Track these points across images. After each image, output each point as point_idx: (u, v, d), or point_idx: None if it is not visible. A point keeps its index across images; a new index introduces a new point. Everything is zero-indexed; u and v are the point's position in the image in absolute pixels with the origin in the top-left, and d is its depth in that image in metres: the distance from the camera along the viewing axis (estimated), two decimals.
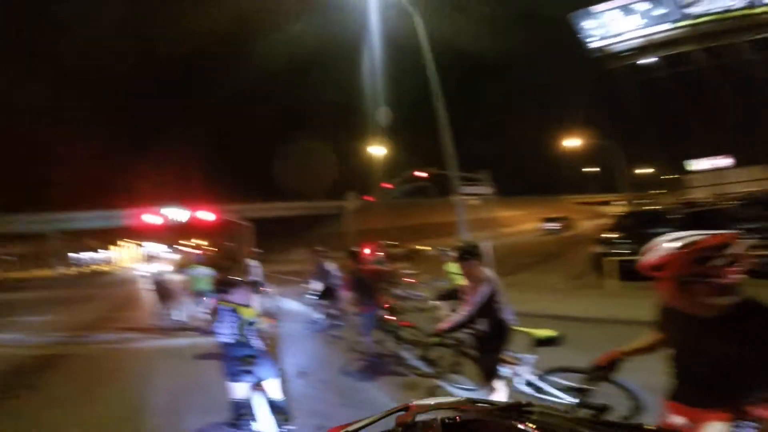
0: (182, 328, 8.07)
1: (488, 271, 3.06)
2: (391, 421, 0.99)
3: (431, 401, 1.10)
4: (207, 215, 27.31)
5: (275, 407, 3.23)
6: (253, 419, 3.13)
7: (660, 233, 1.55)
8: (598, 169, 40.43)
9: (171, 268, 9.23)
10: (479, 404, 1.10)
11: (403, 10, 12.17)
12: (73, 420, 4.01)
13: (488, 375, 3.00)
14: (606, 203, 51.32)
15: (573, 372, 2.92)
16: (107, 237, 51.94)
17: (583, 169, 41.02)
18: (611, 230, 9.78)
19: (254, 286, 8.79)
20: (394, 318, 5.34)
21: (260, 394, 3.24)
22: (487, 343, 3.03)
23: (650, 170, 45.49)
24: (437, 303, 6.11)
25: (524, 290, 8.60)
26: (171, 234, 37.96)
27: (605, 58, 28.88)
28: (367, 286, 5.21)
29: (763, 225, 6.94)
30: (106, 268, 49.62)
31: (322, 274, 7.41)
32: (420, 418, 0.99)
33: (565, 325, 3.41)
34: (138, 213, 31.57)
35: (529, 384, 3.18)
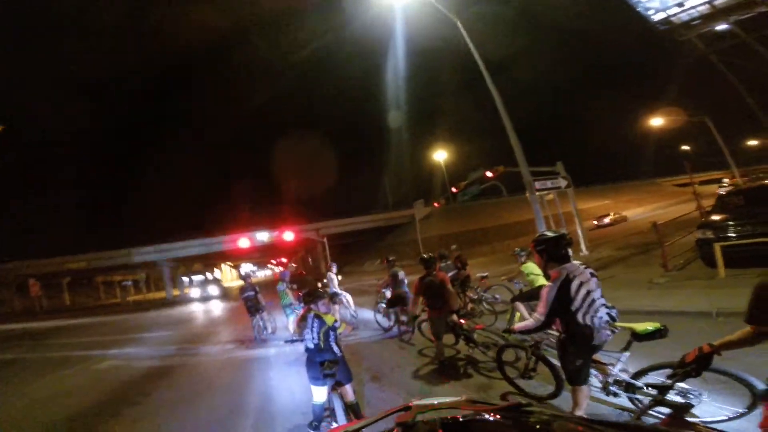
0: (271, 339, 8.77)
1: (569, 266, 2.76)
2: (391, 421, 1.00)
3: (431, 401, 1.10)
4: (287, 235, 29.78)
5: (350, 409, 3.39)
6: (334, 420, 3.31)
7: None
8: (688, 147, 35.31)
9: (260, 284, 10.19)
10: (479, 404, 1.10)
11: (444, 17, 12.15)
12: (180, 421, 4.58)
13: (571, 379, 2.81)
14: (717, 181, 44.39)
15: (668, 368, 2.61)
16: (211, 261, 58.68)
17: (682, 147, 36.08)
18: (716, 212, 8.39)
19: (332, 297, 9.32)
20: (465, 321, 5.25)
21: (337, 396, 3.42)
22: (572, 345, 2.76)
23: (755, 142, 38.60)
24: (515, 304, 5.88)
25: (618, 286, 7.84)
26: (260, 254, 41.55)
27: (674, 29, 25.27)
28: (438, 290, 5.17)
29: None
30: (208, 290, 56.01)
31: (394, 282, 7.60)
32: (420, 418, 0.99)
33: (668, 321, 3.03)
34: (231, 239, 35.50)
35: (619, 384, 2.88)
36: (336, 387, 3.44)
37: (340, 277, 9.50)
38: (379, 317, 8.42)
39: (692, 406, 2.38)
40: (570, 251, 2.84)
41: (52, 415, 5.29)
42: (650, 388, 2.68)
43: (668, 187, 55.10)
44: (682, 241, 9.85)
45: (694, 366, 1.68)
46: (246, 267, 42.71)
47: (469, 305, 8.02)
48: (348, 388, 3.46)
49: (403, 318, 7.28)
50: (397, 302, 7.39)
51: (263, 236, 30.95)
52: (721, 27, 23.90)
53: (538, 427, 0.92)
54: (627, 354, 2.90)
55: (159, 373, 7.20)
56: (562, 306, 2.69)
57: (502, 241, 33.26)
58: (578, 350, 2.74)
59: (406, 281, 7.63)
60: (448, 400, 1.13)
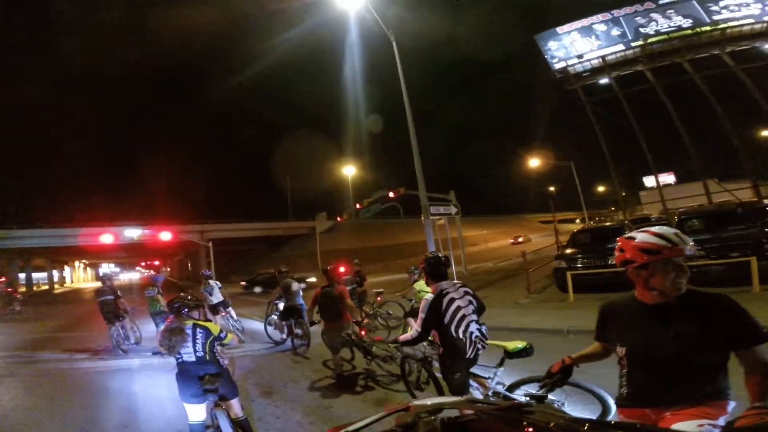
0: (134, 350, 7.63)
1: (444, 284, 3.00)
2: (391, 421, 1.00)
3: (431, 401, 1.10)
4: (164, 235, 26.25)
5: (238, 425, 3.13)
6: None
7: (611, 248, 1.65)
8: (552, 188, 42.84)
9: (119, 288, 8.71)
10: (479, 404, 1.11)
11: (381, 34, 12.63)
12: None
13: (453, 391, 2.96)
14: (571, 221, 54.11)
15: (537, 381, 2.98)
16: (57, 256, 48.64)
17: (550, 188, 43.34)
18: (569, 246, 10.29)
19: (214, 308, 8.52)
20: (364, 333, 5.32)
21: (222, 413, 3.12)
22: (448, 359, 2.97)
23: (606, 188, 48.57)
24: (407, 320, 6.17)
25: (489, 305, 8.81)
26: (126, 254, 36.00)
27: (566, 79, 30.53)
28: (337, 303, 5.19)
29: (704, 237, 7.53)
30: (55, 288, 46.12)
31: (287, 294, 7.32)
32: (420, 418, 0.99)
33: (531, 337, 3.48)
34: (92, 232, 29.93)
35: (497, 396, 3.17)
36: (220, 403, 3.15)
37: (220, 286, 8.73)
38: (270, 329, 8.00)
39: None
40: (447, 271, 3.16)
41: None
42: (528, 398, 3.04)
43: (534, 222, 64.88)
44: (543, 269, 11.67)
45: (560, 376, 1.89)
46: (106, 267, 36.33)
47: (365, 320, 8.17)
48: (234, 403, 3.18)
49: (298, 331, 7.06)
50: (290, 314, 7.15)
51: (133, 233, 26.45)
52: (603, 81, 29.45)
53: (538, 427, 0.91)
54: (502, 369, 3.22)
55: None
56: (436, 319, 2.90)
57: (395, 260, 34.84)
58: (454, 363, 2.94)
59: (301, 293, 7.44)
60: (448, 400, 1.14)
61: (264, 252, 43.76)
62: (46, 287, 46.26)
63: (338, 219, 45.66)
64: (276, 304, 8.10)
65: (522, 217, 67.67)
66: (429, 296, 2.94)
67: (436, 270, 3.07)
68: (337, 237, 41.34)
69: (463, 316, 2.90)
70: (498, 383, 3.16)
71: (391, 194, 19.07)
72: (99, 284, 8.01)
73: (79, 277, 56.65)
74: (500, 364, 3.19)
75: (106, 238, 25.45)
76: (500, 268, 18.46)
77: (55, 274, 52.85)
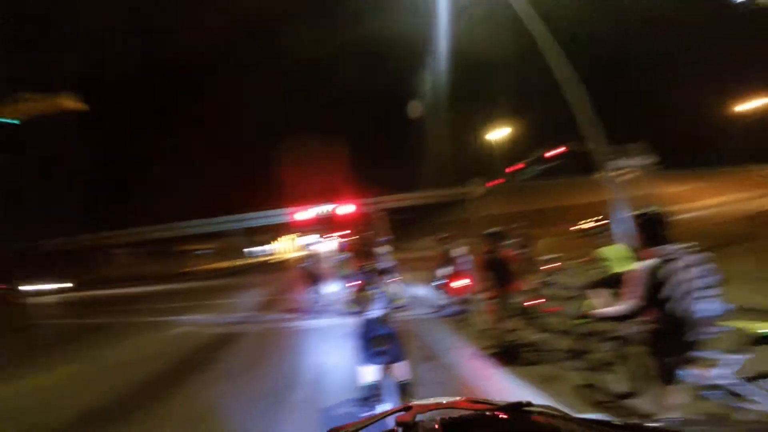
0: (327, 309, 9.01)
1: (668, 248, 2.37)
2: (391, 421, 0.99)
3: (431, 401, 1.11)
4: (347, 208, 30.67)
5: (402, 389, 3.27)
6: (382, 401, 3.22)
7: None
8: None
9: (320, 256, 10.51)
10: (479, 404, 1.09)
11: None
12: (237, 391, 4.74)
13: (661, 377, 2.47)
14: None
15: None
16: (273, 232, 62.23)
17: None
18: None
19: (386, 272, 9.29)
20: (537, 302, 4.85)
21: (388, 375, 3.32)
22: (662, 339, 2.42)
23: None
24: (586, 292, 5.38)
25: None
26: (321, 226, 43.23)
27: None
28: (504, 269, 4.81)
29: None
30: (272, 259, 59.68)
31: (449, 260, 7.33)
32: (420, 418, 0.99)
33: None
34: (293, 211, 37.20)
35: (723, 389, 2.45)
36: (388, 365, 3.34)
37: (389, 252, 9.38)
38: (434, 295, 8.25)
39: None
40: (667, 233, 2.43)
41: (125, 380, 5.63)
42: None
43: (756, 176, 47.39)
44: None
45: None
46: (308, 238, 44.56)
47: (534, 288, 7.54)
48: (401, 366, 3.33)
49: (460, 297, 7.04)
50: (453, 280, 7.16)
51: (325, 208, 32.14)
52: None
53: (539, 427, 0.93)
54: (741, 356, 2.44)
55: (223, 340, 7.66)
56: (654, 292, 2.33)
57: (561, 224, 31.15)
58: (670, 345, 2.39)
59: (462, 259, 7.33)
60: (448, 400, 1.13)
61: (424, 219, 45.64)
62: (266, 258, 60.06)
63: (494, 183, 43.48)
64: (439, 270, 8.25)
65: (739, 169, 49.75)
66: (646, 263, 2.39)
67: (653, 230, 2.46)
68: (492, 202, 39.63)
69: (692, 290, 2.29)
70: (726, 374, 2.43)
71: (552, 152, 16.95)
72: (303, 253, 9.72)
73: (290, 248, 71.61)
74: (737, 351, 2.45)
75: (306, 214, 31.36)
76: (718, 231, 14.20)
77: (270, 247, 68.12)
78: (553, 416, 1.00)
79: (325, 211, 32.10)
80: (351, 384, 3.86)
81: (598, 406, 3.27)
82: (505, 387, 3.81)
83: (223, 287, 20.04)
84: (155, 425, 3.97)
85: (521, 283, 4.87)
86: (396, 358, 3.30)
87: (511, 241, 7.22)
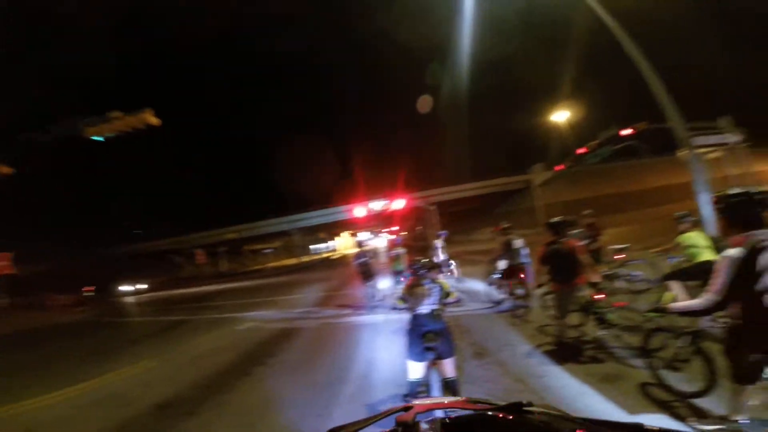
0: (380, 305, 9.14)
1: (760, 233, 2.04)
2: (391, 421, 0.99)
3: (431, 401, 1.12)
4: (398, 203, 30.78)
5: (447, 386, 3.19)
6: (429, 396, 3.16)
7: None
8: None
9: (374, 251, 10.65)
10: (479, 404, 1.09)
11: None
12: (294, 383, 4.97)
13: (738, 376, 2.20)
14: None
15: None
16: (332, 229, 64.69)
17: None
18: None
19: (440, 266, 9.16)
20: (603, 297, 4.47)
21: (434, 371, 3.25)
22: (747, 335, 2.13)
23: None
24: (667, 283, 4.86)
25: None
26: (374, 222, 44.00)
27: None
28: (569, 261, 4.46)
29: None
30: (332, 255, 62.08)
31: (508, 252, 7.01)
32: (420, 418, 1.00)
33: None
34: (349, 208, 38.21)
35: None
36: (436, 361, 3.26)
37: (443, 246, 9.19)
38: (490, 289, 7.95)
39: None
40: (762, 215, 2.07)
41: (200, 372, 6.03)
42: None
43: None
44: None
45: None
46: (362, 235, 45.67)
47: (602, 281, 6.93)
48: (448, 363, 3.24)
49: (519, 291, 6.70)
50: (512, 273, 6.84)
51: (377, 205, 32.63)
52: None
53: (539, 427, 0.93)
54: None
55: (285, 335, 8.09)
56: (743, 284, 2.02)
57: (642, 210, 28.18)
58: (755, 342, 2.07)
59: (523, 251, 6.95)
60: (448, 400, 1.15)
61: (482, 210, 44.19)
62: (328, 254, 62.52)
63: (558, 169, 40.64)
64: (497, 263, 7.93)
65: None
66: (734, 252, 2.09)
67: (743, 213, 2.13)
68: (558, 188, 37.13)
69: None
70: None
71: (624, 132, 15.44)
72: (357, 249, 9.90)
73: (346, 245, 73.77)
74: None
75: (359, 211, 32.11)
76: None
77: (330, 244, 70.81)
78: (555, 416, 1.00)
79: (382, 206, 32.59)
80: (399, 379, 3.86)
81: (662, 405, 3.02)
82: (556, 385, 3.57)
83: (287, 284, 21.17)
84: (223, 412, 4.31)
85: (588, 276, 4.48)
86: (444, 355, 3.22)
87: (577, 231, 6.69)
